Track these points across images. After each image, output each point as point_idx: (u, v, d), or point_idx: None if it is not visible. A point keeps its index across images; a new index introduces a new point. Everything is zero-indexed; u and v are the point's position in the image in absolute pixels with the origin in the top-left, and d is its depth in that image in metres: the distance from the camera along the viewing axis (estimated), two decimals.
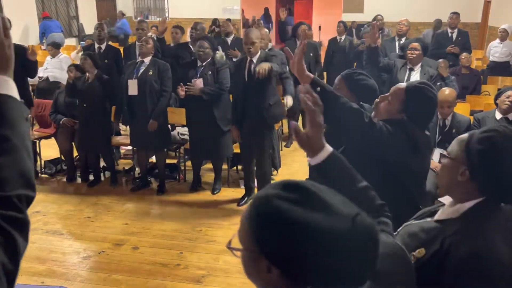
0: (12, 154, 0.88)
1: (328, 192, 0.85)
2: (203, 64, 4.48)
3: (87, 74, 4.77)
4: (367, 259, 0.81)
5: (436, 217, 1.37)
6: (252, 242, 0.83)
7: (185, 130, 5.20)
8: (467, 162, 1.30)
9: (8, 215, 0.83)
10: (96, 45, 5.75)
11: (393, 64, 4.73)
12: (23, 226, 0.86)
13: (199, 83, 4.38)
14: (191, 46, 5.51)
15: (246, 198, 4.55)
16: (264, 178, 4.33)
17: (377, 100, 2.07)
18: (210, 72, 4.45)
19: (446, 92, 3.95)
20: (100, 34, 5.71)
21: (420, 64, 4.56)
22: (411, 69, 4.56)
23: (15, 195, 0.85)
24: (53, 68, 7.07)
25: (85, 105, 4.73)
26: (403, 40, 5.96)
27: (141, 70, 4.54)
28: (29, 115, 0.98)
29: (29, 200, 0.89)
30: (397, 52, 5.78)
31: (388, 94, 2.01)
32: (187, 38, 6.45)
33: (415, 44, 4.55)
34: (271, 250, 0.80)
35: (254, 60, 4.11)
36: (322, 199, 0.82)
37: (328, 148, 1.29)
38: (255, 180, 4.55)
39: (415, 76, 4.53)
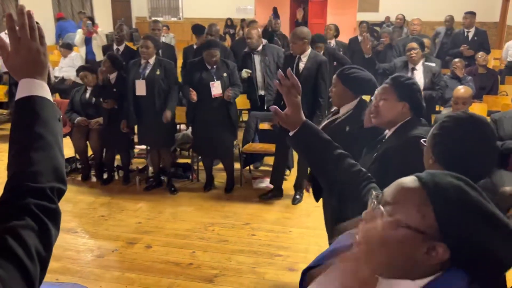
0: (46, 150, 0.95)
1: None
2: (214, 66, 4.50)
3: (108, 75, 4.83)
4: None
5: None
6: (428, 224, 0.83)
7: None
8: (432, 146, 1.49)
9: (42, 205, 0.89)
10: (115, 46, 5.82)
11: (393, 66, 4.76)
12: (56, 216, 0.92)
13: (217, 85, 4.45)
14: None
15: (272, 193, 4.64)
16: (301, 168, 4.47)
17: (371, 108, 2.13)
18: (225, 74, 4.51)
19: (461, 90, 3.91)
20: (118, 36, 5.79)
21: (421, 63, 4.63)
22: (414, 69, 4.62)
23: (48, 187, 0.92)
24: (67, 67, 7.20)
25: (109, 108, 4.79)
26: None
27: (148, 70, 4.57)
28: (61, 116, 1.04)
29: (60, 193, 0.96)
30: None
31: (378, 97, 2.11)
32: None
33: (414, 44, 4.65)
34: (454, 234, 0.82)
35: (303, 58, 4.20)
36: (495, 206, 0.87)
37: (302, 119, 1.48)
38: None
39: (419, 75, 4.61)
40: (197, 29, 6.24)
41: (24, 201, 0.88)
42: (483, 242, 0.82)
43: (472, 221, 0.82)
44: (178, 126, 5.45)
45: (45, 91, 1.00)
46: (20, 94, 0.98)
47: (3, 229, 0.83)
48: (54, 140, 0.97)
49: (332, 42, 6.29)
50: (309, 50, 4.25)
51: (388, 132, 2.10)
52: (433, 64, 4.88)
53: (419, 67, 4.61)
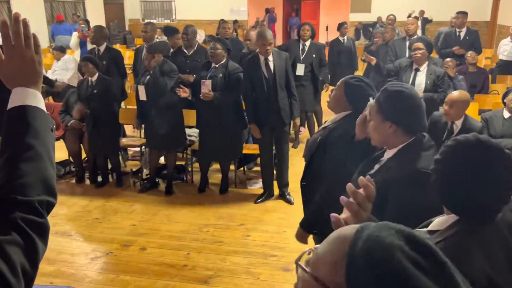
0: (36, 161, 0.92)
1: (452, 265, 0.68)
2: (216, 65, 4.49)
3: (89, 78, 4.83)
4: None
5: (429, 227, 1.35)
6: (335, 281, 0.67)
7: (192, 131, 5.23)
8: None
9: (30, 219, 0.86)
10: (96, 47, 5.86)
11: (398, 66, 4.73)
12: (43, 231, 0.89)
13: (208, 84, 4.40)
14: (185, 50, 5.47)
15: (265, 195, 4.66)
16: (286, 164, 4.59)
17: (360, 119, 1.98)
18: (221, 75, 4.45)
19: (455, 93, 3.78)
20: (95, 38, 5.93)
21: (426, 64, 4.52)
22: (417, 69, 4.52)
23: (37, 200, 0.89)
24: (60, 70, 7.19)
25: (91, 108, 4.79)
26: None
27: (148, 76, 4.59)
28: (54, 126, 1.02)
29: (49, 206, 0.93)
30: (407, 51, 5.75)
31: (364, 113, 1.93)
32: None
33: (419, 44, 4.50)
34: None
35: (270, 58, 4.28)
36: (453, 278, 0.66)
37: None
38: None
39: (421, 76, 4.48)
40: (169, 30, 6.22)
41: (11, 215, 0.85)
42: None
43: None
44: None
45: (38, 101, 0.98)
46: (12, 103, 0.96)
47: None
48: (45, 152, 0.94)
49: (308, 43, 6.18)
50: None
51: (386, 152, 1.82)
52: (439, 68, 4.81)
53: (423, 69, 4.49)
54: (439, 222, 1.33)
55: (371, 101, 1.82)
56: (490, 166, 1.21)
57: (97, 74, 4.85)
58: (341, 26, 7.25)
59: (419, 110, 1.76)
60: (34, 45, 1.00)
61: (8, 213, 0.85)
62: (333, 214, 1.17)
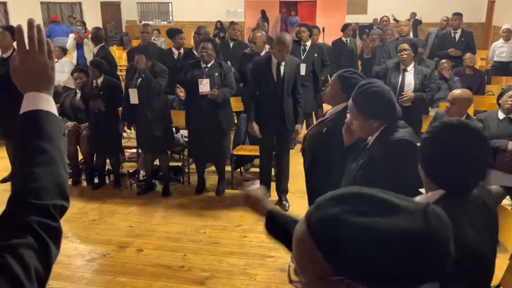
0: (50, 165, 0.93)
1: (383, 191, 0.78)
2: (208, 65, 4.50)
3: (93, 80, 4.84)
4: (442, 256, 0.74)
5: None
6: (327, 267, 0.74)
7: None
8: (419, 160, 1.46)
9: (45, 222, 0.87)
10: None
11: (385, 68, 4.77)
12: (57, 235, 0.90)
13: (205, 83, 4.42)
14: (195, 52, 5.50)
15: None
16: (286, 173, 4.62)
17: (345, 127, 2.20)
18: (217, 74, 4.50)
19: (456, 91, 3.85)
20: (93, 38, 5.99)
21: (413, 64, 4.59)
22: (405, 70, 4.58)
23: (51, 204, 0.90)
24: (57, 72, 7.19)
25: (95, 110, 4.79)
26: None
27: (140, 79, 4.56)
28: (66, 131, 1.02)
29: (63, 210, 0.94)
30: None
31: (347, 122, 2.17)
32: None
33: (404, 45, 4.56)
34: (353, 268, 0.72)
35: (283, 63, 4.23)
36: (387, 201, 0.75)
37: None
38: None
39: (409, 77, 4.56)
40: (172, 32, 6.28)
41: (26, 218, 0.86)
42: (384, 267, 0.71)
43: (361, 249, 0.71)
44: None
45: (50, 106, 0.99)
46: (25, 107, 0.97)
47: (3, 247, 0.82)
48: (58, 156, 0.96)
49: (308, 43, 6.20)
50: None
51: (370, 139, 2.09)
52: (425, 67, 4.87)
53: (410, 69, 4.56)
54: (421, 200, 1.41)
55: (350, 102, 2.07)
56: (472, 145, 1.36)
57: (103, 76, 4.86)
58: (346, 28, 7.29)
59: (391, 101, 2.04)
60: (47, 50, 1.01)
61: (23, 216, 0.86)
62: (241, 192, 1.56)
